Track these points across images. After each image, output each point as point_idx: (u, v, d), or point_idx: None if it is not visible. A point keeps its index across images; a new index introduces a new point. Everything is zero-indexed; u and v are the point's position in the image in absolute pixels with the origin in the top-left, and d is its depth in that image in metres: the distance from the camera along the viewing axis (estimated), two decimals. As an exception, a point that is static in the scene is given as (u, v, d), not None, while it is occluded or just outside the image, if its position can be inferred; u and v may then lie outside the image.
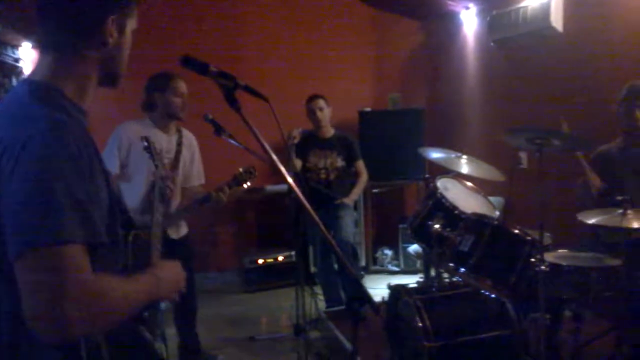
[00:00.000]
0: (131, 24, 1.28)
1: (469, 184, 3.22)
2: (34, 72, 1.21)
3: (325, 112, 4.26)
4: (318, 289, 4.30)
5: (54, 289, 0.96)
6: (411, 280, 3.44)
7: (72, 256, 0.99)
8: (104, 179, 1.16)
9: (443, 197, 2.86)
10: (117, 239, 1.25)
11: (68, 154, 1.03)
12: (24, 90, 1.15)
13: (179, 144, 3.12)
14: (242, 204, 5.19)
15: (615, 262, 2.55)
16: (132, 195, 2.84)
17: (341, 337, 3.46)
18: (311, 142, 4.22)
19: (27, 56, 4.57)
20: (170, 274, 1.35)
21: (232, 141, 2.99)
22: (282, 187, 5.08)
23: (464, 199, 2.97)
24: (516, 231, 2.51)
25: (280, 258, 5.00)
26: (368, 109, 5.42)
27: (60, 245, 0.98)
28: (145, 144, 2.51)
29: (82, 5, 1.19)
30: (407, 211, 5.80)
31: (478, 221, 2.60)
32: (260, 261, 4.96)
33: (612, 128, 3.17)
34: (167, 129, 3.09)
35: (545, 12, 4.10)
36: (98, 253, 1.05)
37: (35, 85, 1.16)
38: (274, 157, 1.45)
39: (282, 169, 1.45)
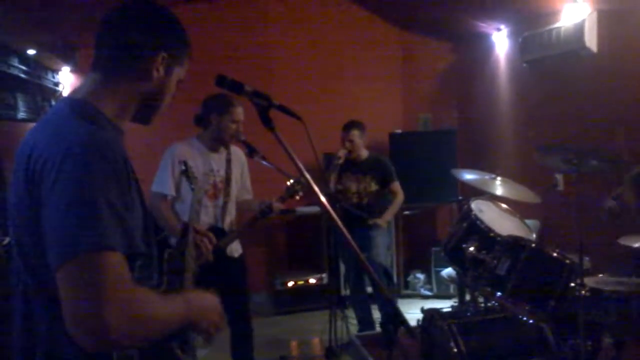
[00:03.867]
0: (179, 72, 1.31)
1: (504, 206, 3.16)
2: (75, 91, 1.26)
3: (358, 142, 4.19)
4: (350, 312, 4.24)
5: (95, 295, 0.97)
6: (444, 305, 3.37)
7: (114, 263, 1.00)
8: (139, 197, 1.18)
9: (478, 219, 2.82)
10: (152, 255, 1.26)
11: (107, 167, 1.06)
12: (65, 107, 1.19)
13: (228, 161, 3.16)
14: (273, 225, 5.21)
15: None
16: (184, 213, 2.89)
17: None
18: (345, 165, 4.18)
19: (66, 80, 4.72)
20: (204, 302, 1.30)
21: (265, 162, 3.02)
22: (313, 209, 5.09)
23: (500, 221, 2.92)
24: (555, 254, 2.45)
25: (312, 280, 4.98)
26: (398, 131, 5.40)
27: (101, 251, 0.99)
28: (183, 168, 2.55)
29: (140, 34, 1.24)
30: (439, 234, 5.72)
31: (515, 244, 2.54)
32: (291, 283, 4.94)
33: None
34: (216, 149, 3.13)
35: (579, 32, 4.05)
36: (135, 266, 1.07)
37: (76, 102, 1.20)
38: (308, 176, 1.46)
39: (317, 189, 1.45)
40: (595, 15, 3.98)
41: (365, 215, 3.99)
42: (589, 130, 4.06)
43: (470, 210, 2.90)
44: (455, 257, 2.84)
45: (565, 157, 2.43)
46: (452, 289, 5.07)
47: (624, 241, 2.50)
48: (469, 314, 2.72)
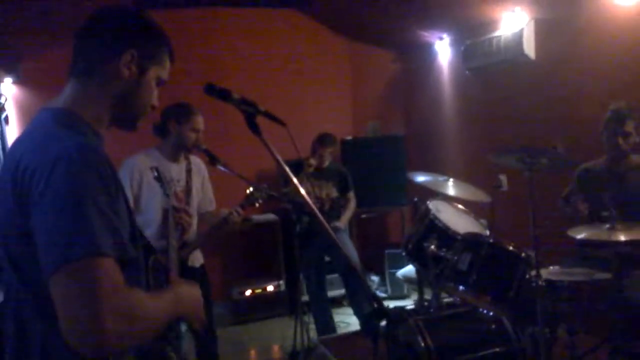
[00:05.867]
0: (156, 71, 1.31)
1: (459, 205, 3.31)
2: (57, 100, 1.25)
3: (329, 157, 4.32)
4: (307, 318, 4.29)
5: (92, 300, 0.98)
6: (400, 305, 3.48)
7: (107, 268, 1.01)
8: (124, 202, 1.19)
9: (437, 218, 2.94)
10: (139, 261, 1.27)
11: (94, 175, 1.07)
12: (47, 116, 1.19)
13: (189, 171, 3.12)
14: (228, 234, 5.17)
15: (605, 275, 2.63)
16: (148, 224, 2.82)
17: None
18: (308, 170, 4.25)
19: (8, 92, 4.51)
20: (188, 293, 1.38)
21: (226, 169, 3.02)
22: (269, 217, 5.12)
23: (456, 219, 3.05)
24: (511, 248, 2.60)
25: (269, 288, 4.98)
26: (349, 137, 5.51)
27: (94, 257, 1.00)
28: (156, 174, 2.52)
29: (106, 34, 1.25)
30: (392, 237, 5.88)
31: (474, 240, 2.67)
32: (249, 292, 4.92)
33: (591, 147, 3.31)
34: (176, 159, 3.08)
35: (517, 41, 4.29)
36: (125, 271, 1.07)
37: (58, 112, 1.21)
38: (295, 179, 1.50)
39: (302, 190, 1.50)
40: (533, 24, 4.23)
41: (327, 220, 4.05)
42: (530, 133, 4.31)
43: (428, 210, 3.02)
44: (417, 255, 2.95)
45: (518, 157, 2.59)
46: (405, 289, 5.21)
47: (571, 232, 2.66)
48: (431, 310, 2.82)
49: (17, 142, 1.20)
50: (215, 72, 5.18)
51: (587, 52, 3.83)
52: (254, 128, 1.47)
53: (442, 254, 2.77)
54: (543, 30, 4.20)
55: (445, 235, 2.87)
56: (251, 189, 3.11)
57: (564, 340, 2.71)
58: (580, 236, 2.66)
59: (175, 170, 3.05)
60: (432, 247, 2.82)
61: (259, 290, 4.94)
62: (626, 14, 3.43)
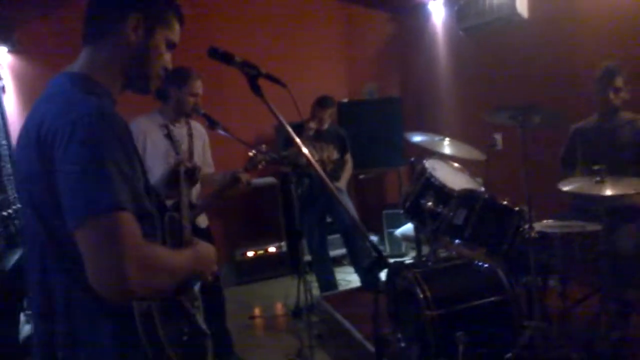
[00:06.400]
0: (165, 34, 1.36)
1: (455, 164, 3.40)
2: (72, 65, 1.32)
3: (328, 119, 4.36)
4: (309, 277, 4.43)
5: (115, 251, 1.06)
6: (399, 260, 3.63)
7: (127, 222, 1.09)
8: (138, 162, 1.26)
9: (433, 176, 3.03)
10: (155, 218, 1.35)
11: (113, 135, 1.14)
12: (65, 81, 1.26)
13: (190, 135, 3.18)
14: (230, 198, 5.26)
15: (596, 227, 2.74)
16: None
17: (340, 319, 3.61)
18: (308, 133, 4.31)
19: (4, 61, 4.53)
20: (206, 252, 1.46)
21: (226, 133, 3.08)
22: (268, 180, 5.22)
23: (452, 177, 3.15)
24: (505, 203, 2.70)
25: (271, 249, 5.12)
26: (345, 100, 5.56)
27: (116, 211, 1.08)
28: (166, 131, 2.59)
29: (106, 1, 1.32)
30: (389, 197, 5.99)
31: (469, 196, 2.78)
32: (251, 254, 5.06)
33: (582, 105, 3.39)
34: (177, 122, 3.14)
35: (510, 0, 4.32)
36: (142, 226, 1.14)
37: (75, 76, 1.28)
38: (298, 140, 1.58)
39: (306, 151, 1.58)
40: (526, -18, 4.25)
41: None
42: (523, 91, 4.38)
43: (424, 169, 3.11)
44: (414, 212, 3.05)
45: (512, 114, 2.66)
46: (404, 247, 5.36)
47: (562, 185, 2.76)
48: (429, 263, 2.94)
49: (39, 103, 1.26)
50: (207, 34, 5.18)
51: (578, 12, 3.87)
52: (257, 90, 1.53)
53: (439, 210, 2.88)
54: (536, -12, 4.22)
55: (441, 192, 2.96)
56: (253, 151, 3.17)
57: (556, 289, 2.83)
58: (568, 188, 2.75)
59: (177, 133, 3.13)
60: (429, 204, 2.92)
61: (261, 252, 5.08)
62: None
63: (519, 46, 4.49)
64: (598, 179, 2.68)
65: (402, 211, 3.19)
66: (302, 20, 5.74)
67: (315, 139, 4.31)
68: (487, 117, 2.93)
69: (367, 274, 4.15)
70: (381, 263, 1.62)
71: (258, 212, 5.39)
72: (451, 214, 2.80)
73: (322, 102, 4.30)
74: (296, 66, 5.56)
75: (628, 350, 2.81)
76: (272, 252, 5.12)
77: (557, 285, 2.84)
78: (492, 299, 2.76)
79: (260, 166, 3.21)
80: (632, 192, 2.64)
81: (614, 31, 3.58)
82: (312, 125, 4.17)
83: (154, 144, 2.95)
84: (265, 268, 5.07)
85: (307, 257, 4.50)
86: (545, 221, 2.96)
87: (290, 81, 1.63)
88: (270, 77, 1.58)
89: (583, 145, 3.29)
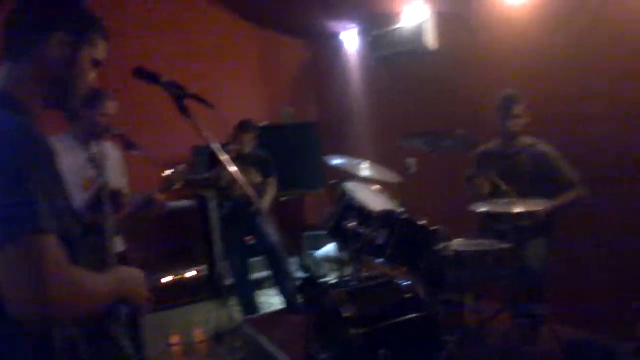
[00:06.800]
0: (89, 52, 1.33)
1: (374, 186, 3.53)
2: None
3: (250, 143, 4.36)
4: (231, 302, 4.38)
5: (37, 273, 1.02)
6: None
7: (51, 244, 1.05)
8: (61, 182, 1.24)
9: (353, 198, 3.14)
10: (78, 241, 1.30)
11: (36, 152, 1.11)
12: None
13: (100, 156, 3.05)
14: (146, 221, 5.10)
15: (506, 245, 2.95)
16: None
17: (264, 342, 3.58)
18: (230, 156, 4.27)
19: None
20: (132, 276, 1.40)
21: (141, 153, 2.98)
22: (185, 203, 5.12)
23: (372, 199, 3.26)
24: (423, 223, 2.85)
25: (190, 274, 4.99)
26: (266, 124, 5.61)
27: (39, 233, 1.04)
28: (78, 153, 2.50)
29: (30, 17, 1.28)
30: (310, 219, 6.07)
31: (389, 217, 2.90)
32: (168, 279, 4.91)
33: (488, 130, 3.64)
34: (87, 143, 3.02)
35: (418, 33, 4.61)
36: (65, 249, 1.11)
37: None
38: (225, 159, 1.60)
39: (233, 169, 1.60)
40: (433, 17, 4.55)
41: (250, 202, 4.15)
42: (434, 118, 4.65)
43: (345, 191, 3.22)
44: (337, 233, 3.14)
45: (427, 140, 2.84)
46: (325, 269, 5.43)
47: (475, 207, 2.96)
48: (353, 283, 3.02)
49: None
50: (123, 63, 5.06)
51: (482, 45, 4.20)
52: (183, 110, 1.54)
53: (361, 230, 2.98)
54: (443, 23, 4.53)
55: (362, 213, 3.06)
56: (169, 172, 3.09)
57: (471, 305, 3.00)
58: (482, 210, 2.97)
59: (91, 155, 3.01)
60: (352, 224, 3.01)
61: (178, 277, 4.94)
62: (516, 12, 3.83)
63: (428, 76, 4.78)
64: (507, 200, 2.91)
65: (325, 232, 3.26)
66: (220, 44, 5.77)
67: (236, 163, 4.28)
68: (404, 142, 3.09)
69: (292, 296, 4.18)
70: (312, 282, 1.66)
71: (176, 236, 5.26)
72: (373, 234, 2.91)
73: (243, 126, 4.32)
74: (214, 89, 5.54)
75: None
76: (191, 277, 5.00)
77: (472, 301, 3.02)
78: (413, 315, 2.89)
79: (177, 187, 3.14)
80: (539, 209, 2.89)
81: (513, 62, 3.92)
82: (233, 148, 4.17)
83: (67, 166, 2.82)
84: (184, 293, 4.93)
85: (229, 281, 4.44)
86: (456, 240, 3.14)
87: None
88: (197, 98, 1.59)
89: (487, 168, 3.54)
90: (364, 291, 2.97)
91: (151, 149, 3.27)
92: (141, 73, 1.49)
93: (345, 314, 2.71)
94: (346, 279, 3.32)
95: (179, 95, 1.54)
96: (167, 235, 5.31)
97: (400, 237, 2.82)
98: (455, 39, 4.46)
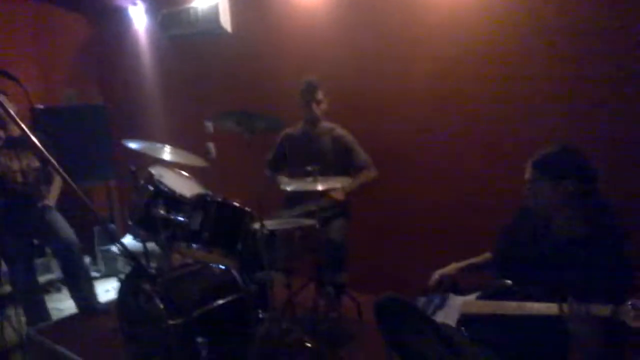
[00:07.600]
0: None
1: (180, 171, 3.38)
2: None
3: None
4: (12, 311, 3.81)
5: None
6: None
7: None
8: None
9: (162, 183, 2.96)
10: None
11: None
12: None
13: None
14: None
15: (312, 222, 3.07)
16: None
17: (63, 351, 3.18)
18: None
19: None
20: None
21: None
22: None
23: (181, 183, 3.12)
24: (237, 204, 2.82)
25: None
26: (41, 106, 4.95)
27: None
28: None
29: None
30: (100, 213, 5.56)
31: (203, 200, 2.80)
32: None
33: (290, 113, 3.74)
34: None
35: (214, 14, 4.52)
36: None
37: None
38: None
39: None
40: (227, -2, 4.51)
41: (32, 196, 3.62)
42: (236, 99, 4.62)
43: (151, 176, 3.01)
44: (146, 223, 2.93)
45: (239, 120, 2.79)
46: (120, 265, 5.05)
47: (283, 185, 3.02)
48: (165, 273, 2.87)
49: None
50: None
51: (279, 29, 4.30)
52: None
53: (173, 216, 2.83)
54: (238, 5, 4.51)
55: (172, 199, 2.92)
56: None
57: (282, 281, 3.08)
58: (289, 188, 3.04)
59: None
60: (161, 211, 2.84)
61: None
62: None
63: (226, 58, 4.73)
64: (311, 178, 3.03)
65: (130, 222, 3.02)
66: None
67: (9, 148, 3.69)
68: (215, 122, 3.00)
69: (89, 297, 3.80)
70: (140, 272, 1.55)
71: None
72: (186, 219, 2.78)
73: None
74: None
75: (345, 325, 3.27)
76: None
77: (282, 277, 3.10)
78: (230, 298, 2.86)
79: None
80: (339, 186, 3.09)
81: (312, 48, 4.09)
82: (1, 134, 3.59)
83: None
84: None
85: (7, 288, 3.85)
86: (270, 220, 3.18)
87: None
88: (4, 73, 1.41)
89: (291, 150, 3.66)
90: (178, 280, 2.85)
91: None
92: None
93: (160, 306, 2.57)
94: (155, 270, 3.15)
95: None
96: None
97: (215, 220, 2.75)
98: (250, 23, 4.48)
